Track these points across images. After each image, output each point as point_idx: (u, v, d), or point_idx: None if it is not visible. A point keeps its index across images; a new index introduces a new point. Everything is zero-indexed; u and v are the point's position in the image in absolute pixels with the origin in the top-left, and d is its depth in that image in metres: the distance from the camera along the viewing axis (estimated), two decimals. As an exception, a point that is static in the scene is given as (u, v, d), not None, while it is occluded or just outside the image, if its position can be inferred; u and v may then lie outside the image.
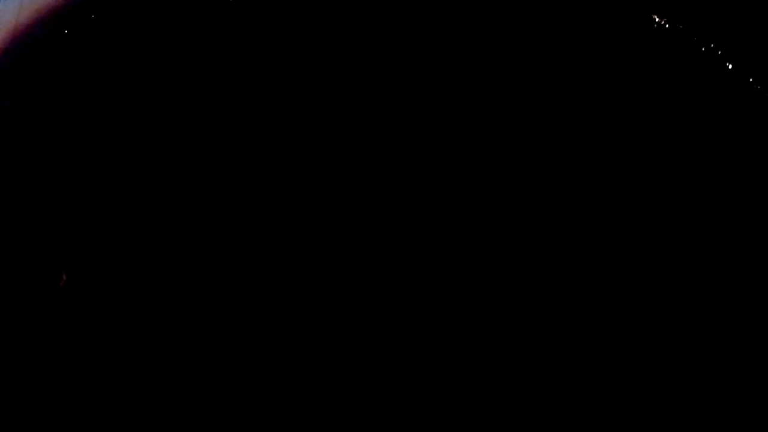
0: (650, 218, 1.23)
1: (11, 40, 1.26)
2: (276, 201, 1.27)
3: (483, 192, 1.26)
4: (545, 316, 1.20)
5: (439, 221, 1.25)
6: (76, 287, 1.18)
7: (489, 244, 1.23)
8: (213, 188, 1.25)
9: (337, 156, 1.28)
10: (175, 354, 1.17)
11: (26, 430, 1.12)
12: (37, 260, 1.18)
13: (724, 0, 1.28)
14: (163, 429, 1.13)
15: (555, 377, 1.18)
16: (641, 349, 1.18)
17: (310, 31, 1.33)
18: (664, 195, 1.25)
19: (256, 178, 1.27)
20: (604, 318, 1.20)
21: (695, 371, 1.17)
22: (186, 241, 1.22)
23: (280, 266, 1.23)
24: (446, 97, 1.30)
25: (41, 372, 1.15)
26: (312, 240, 1.25)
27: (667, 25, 1.20)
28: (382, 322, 1.22)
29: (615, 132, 1.28)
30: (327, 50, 1.33)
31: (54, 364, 1.15)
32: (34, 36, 1.26)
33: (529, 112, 1.29)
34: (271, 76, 1.32)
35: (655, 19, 1.22)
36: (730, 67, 1.24)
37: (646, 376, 1.17)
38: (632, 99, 1.30)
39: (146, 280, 1.20)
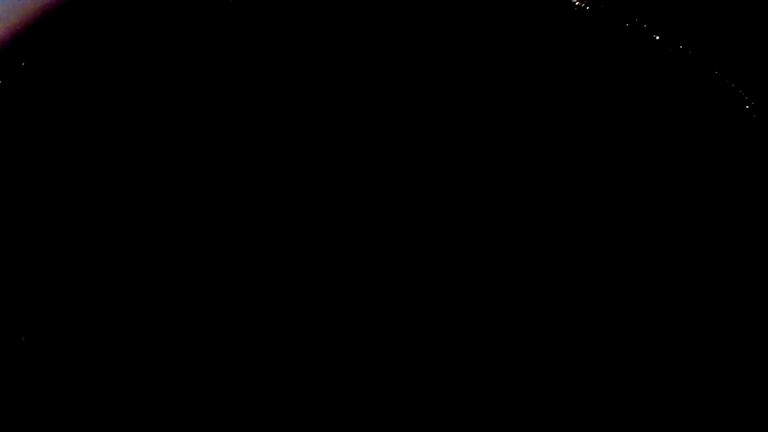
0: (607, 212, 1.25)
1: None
2: (275, 208, 1.26)
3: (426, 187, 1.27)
4: (544, 316, 1.21)
5: (436, 221, 1.27)
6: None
7: (476, 246, 1.25)
8: (211, 195, 1.24)
9: (335, 156, 1.30)
10: (173, 358, 1.13)
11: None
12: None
13: None
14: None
15: (554, 377, 1.17)
16: (640, 349, 1.18)
17: (309, 31, 1.37)
18: (656, 191, 1.26)
19: (253, 183, 1.27)
20: (599, 318, 1.20)
21: (692, 371, 1.17)
22: (182, 247, 1.20)
23: (276, 273, 1.22)
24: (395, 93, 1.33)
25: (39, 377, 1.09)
26: (308, 241, 1.25)
27: (587, 8, 1.24)
28: (380, 322, 1.21)
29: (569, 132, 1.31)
30: (326, 51, 1.36)
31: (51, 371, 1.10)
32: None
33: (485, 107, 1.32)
34: (268, 83, 1.33)
35: (573, 2, 1.25)
36: (658, 38, 1.29)
37: (645, 375, 1.17)
38: (560, 91, 1.33)
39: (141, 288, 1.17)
